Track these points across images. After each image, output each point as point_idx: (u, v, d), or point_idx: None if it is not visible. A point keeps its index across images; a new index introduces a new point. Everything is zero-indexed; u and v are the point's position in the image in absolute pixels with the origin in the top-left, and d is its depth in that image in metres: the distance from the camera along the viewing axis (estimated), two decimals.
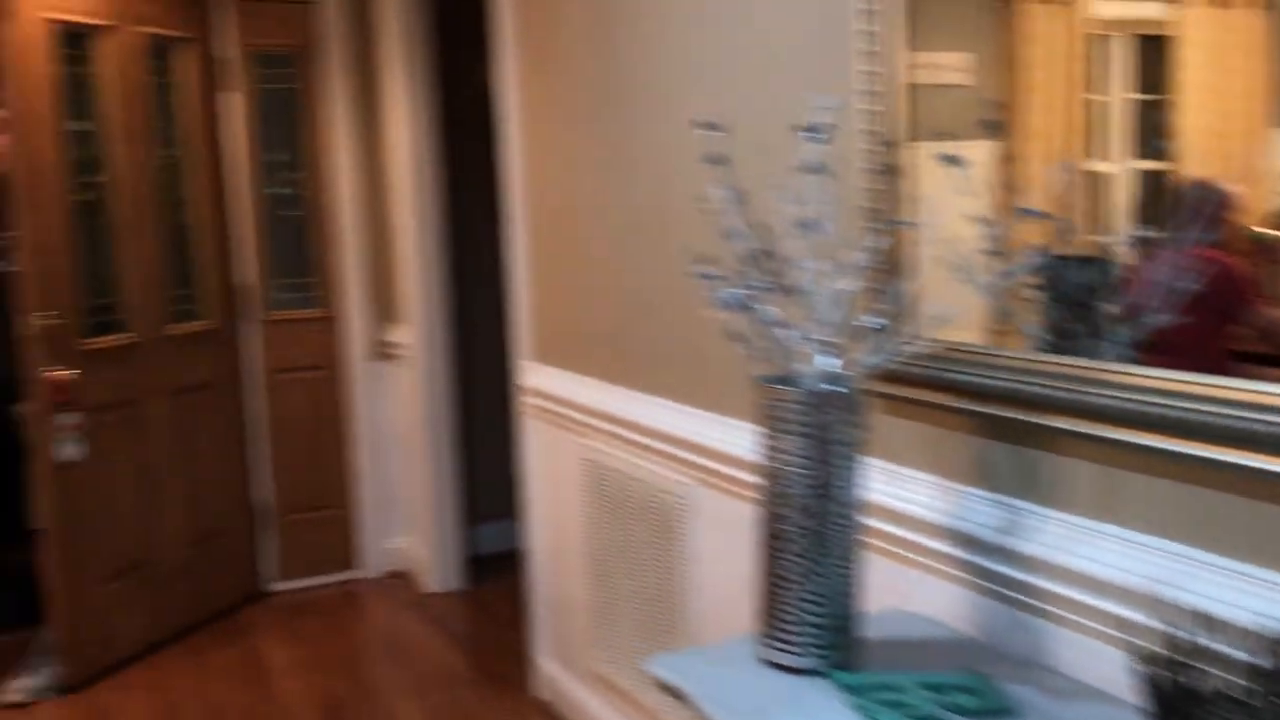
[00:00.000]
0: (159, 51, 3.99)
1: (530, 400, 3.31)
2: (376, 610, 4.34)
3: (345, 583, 4.60)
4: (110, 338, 3.77)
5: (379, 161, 4.49)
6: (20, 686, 3.55)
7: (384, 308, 4.59)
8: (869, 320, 1.61)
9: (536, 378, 3.27)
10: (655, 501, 2.64)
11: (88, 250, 3.71)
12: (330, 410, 4.56)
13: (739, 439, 2.29)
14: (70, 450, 3.56)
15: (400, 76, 4.20)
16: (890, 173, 1.75)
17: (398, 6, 4.18)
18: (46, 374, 3.50)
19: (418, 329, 4.33)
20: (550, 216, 3.16)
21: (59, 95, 3.56)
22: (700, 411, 2.48)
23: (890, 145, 1.75)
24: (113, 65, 3.76)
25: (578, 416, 3.02)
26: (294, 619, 4.23)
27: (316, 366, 4.53)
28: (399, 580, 4.62)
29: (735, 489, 2.32)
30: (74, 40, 3.64)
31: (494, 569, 4.64)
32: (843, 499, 1.52)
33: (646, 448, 2.67)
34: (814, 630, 1.52)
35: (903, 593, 1.79)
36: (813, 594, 1.52)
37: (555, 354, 3.19)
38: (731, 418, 2.34)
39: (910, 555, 1.80)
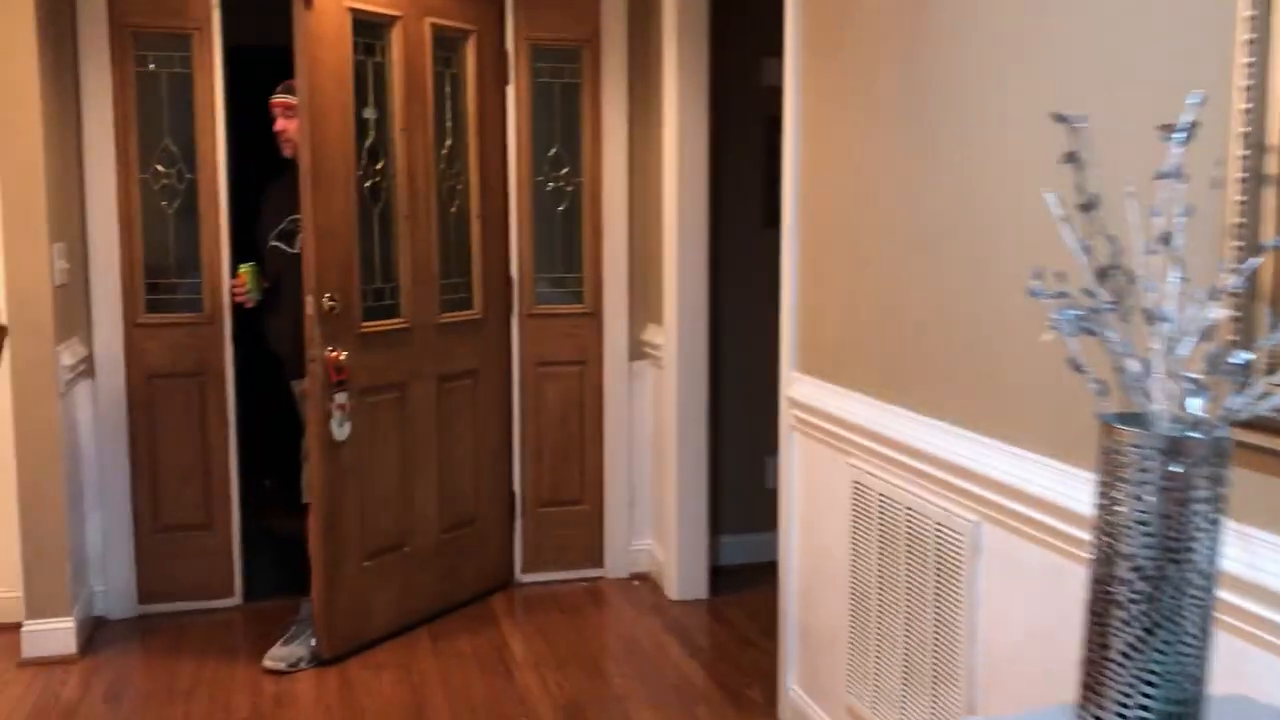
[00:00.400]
0: (445, 43, 4.06)
1: (795, 413, 3.14)
2: (619, 612, 4.28)
3: (590, 580, 4.57)
4: (384, 322, 3.86)
5: (649, 158, 4.42)
6: (280, 655, 3.68)
7: (645, 307, 4.52)
8: (1235, 355, 1.35)
9: (802, 390, 3.09)
10: (932, 535, 2.41)
11: (367, 236, 3.81)
12: (584, 406, 4.53)
13: (1038, 475, 2.04)
14: (341, 429, 3.66)
15: (675, 72, 4.12)
16: (1267, 184, 1.48)
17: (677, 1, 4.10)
18: (325, 354, 3.61)
19: (675, 331, 4.23)
20: (827, 219, 2.97)
21: (353, 84, 3.67)
22: (991, 440, 2.24)
23: (1269, 152, 1.47)
24: (400, 55, 3.85)
25: (846, 435, 2.83)
26: (538, 613, 4.23)
27: (575, 362, 4.52)
28: (642, 583, 4.55)
29: (1031, 531, 2.07)
30: (365, 29, 3.75)
31: (734, 581, 4.49)
32: (1196, 565, 1.27)
33: (925, 475, 2.45)
34: (1148, 715, 1.28)
35: (1251, 678, 1.51)
36: (1150, 672, 1.28)
37: (825, 367, 3.00)
38: (1029, 450, 2.09)
39: (1263, 635, 1.51)
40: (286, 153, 3.91)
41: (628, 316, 4.52)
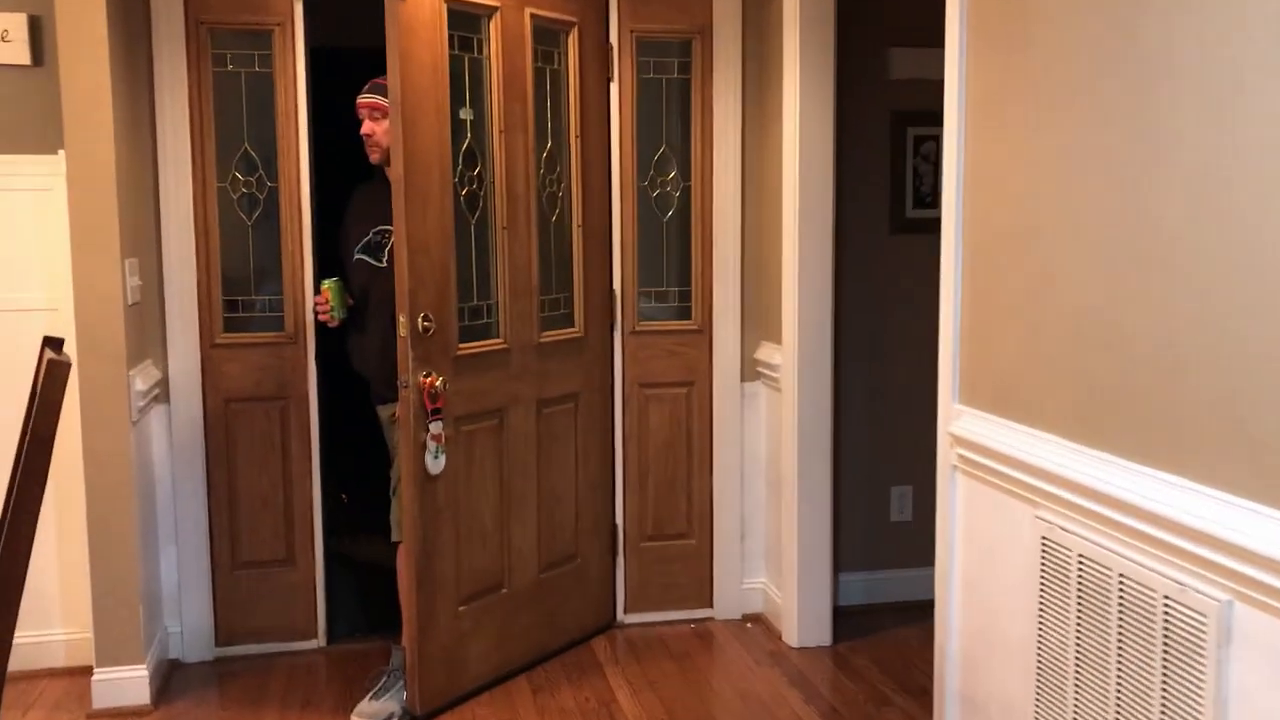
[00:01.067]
0: (545, 37, 3.71)
1: (959, 452, 2.72)
2: (733, 659, 3.88)
3: (698, 621, 4.18)
4: (482, 343, 3.52)
5: (765, 160, 4.03)
6: (370, 711, 3.34)
7: (759, 323, 4.13)
8: None
9: (970, 426, 2.68)
10: (1160, 612, 1.99)
11: (463, 249, 3.46)
12: (692, 432, 4.15)
13: None
14: (436, 462, 3.32)
15: (796, 64, 3.72)
16: None
17: None
18: (419, 379, 3.27)
19: (795, 350, 3.83)
20: (1001, 227, 2.56)
21: (448, 81, 3.33)
22: (1243, 501, 1.82)
23: None
24: (498, 50, 3.50)
25: (1030, 480, 2.41)
26: (645, 659, 3.85)
27: (682, 383, 4.14)
28: (756, 625, 4.15)
29: None
30: (461, 22, 3.40)
31: (857, 625, 4.09)
32: None
33: (1149, 538, 2.03)
34: None
35: None
36: None
37: (999, 399, 2.58)
38: None
39: None
40: (374, 158, 3.59)
41: (740, 334, 4.13)
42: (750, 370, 4.15)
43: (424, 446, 3.30)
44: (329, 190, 4.01)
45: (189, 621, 3.81)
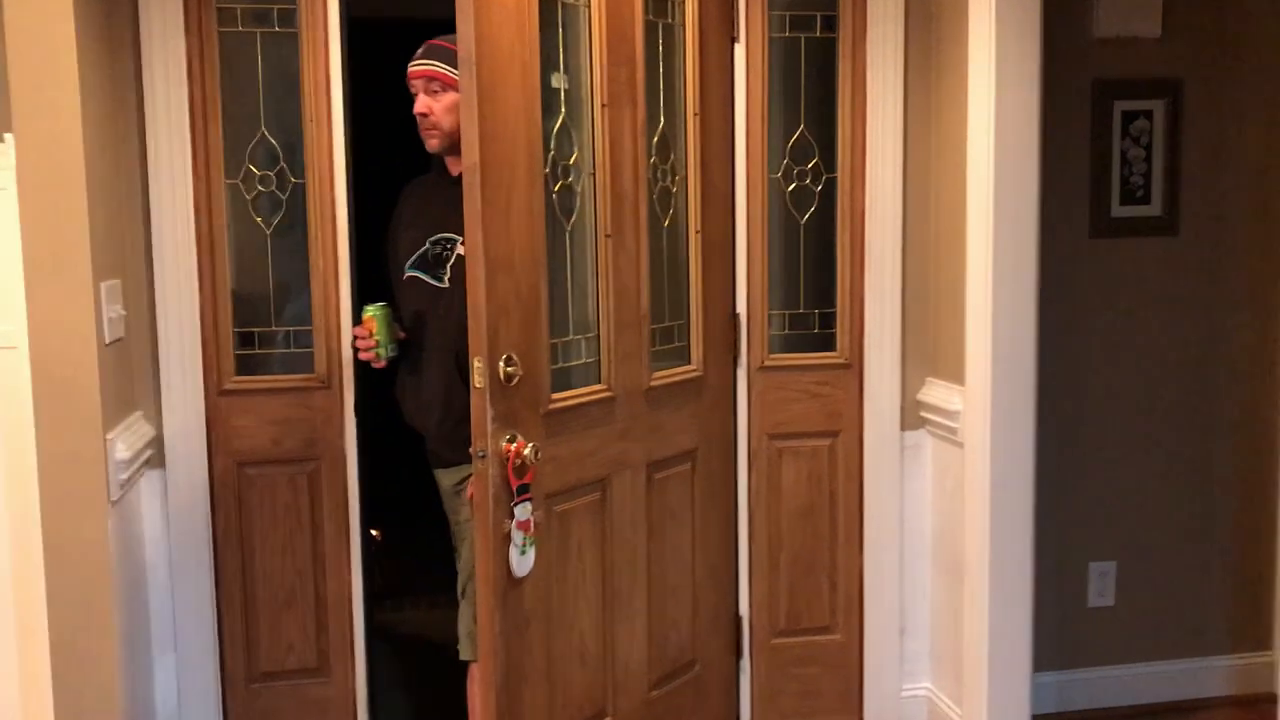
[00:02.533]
0: None
1: None
2: None
3: None
4: (580, 392, 2.60)
5: (938, 142, 3.09)
6: None
7: (925, 354, 3.20)
8: None
9: None
10: None
11: (556, 265, 2.55)
12: (837, 495, 3.22)
13: None
14: (523, 559, 2.40)
15: (990, 16, 2.78)
16: None
17: None
18: (501, 446, 2.35)
19: (985, 391, 2.89)
20: None
21: (539, 37, 2.41)
22: None
23: None
24: None
25: None
26: None
27: (823, 433, 3.21)
28: None
29: None
30: None
31: None
32: None
33: None
34: None
35: None
36: None
37: None
38: None
39: None
40: (431, 145, 2.70)
41: (899, 368, 3.20)
42: (912, 415, 3.22)
43: (506, 538, 2.38)
44: (370, 189, 3.10)
45: None
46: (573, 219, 2.59)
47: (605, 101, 2.60)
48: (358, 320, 2.73)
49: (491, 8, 2.27)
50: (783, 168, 3.12)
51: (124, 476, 2.58)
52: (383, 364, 2.71)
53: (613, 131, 2.62)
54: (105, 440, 2.48)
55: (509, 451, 2.35)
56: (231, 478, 2.91)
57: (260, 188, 2.89)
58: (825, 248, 3.17)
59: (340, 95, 2.88)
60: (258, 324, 2.92)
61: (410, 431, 2.82)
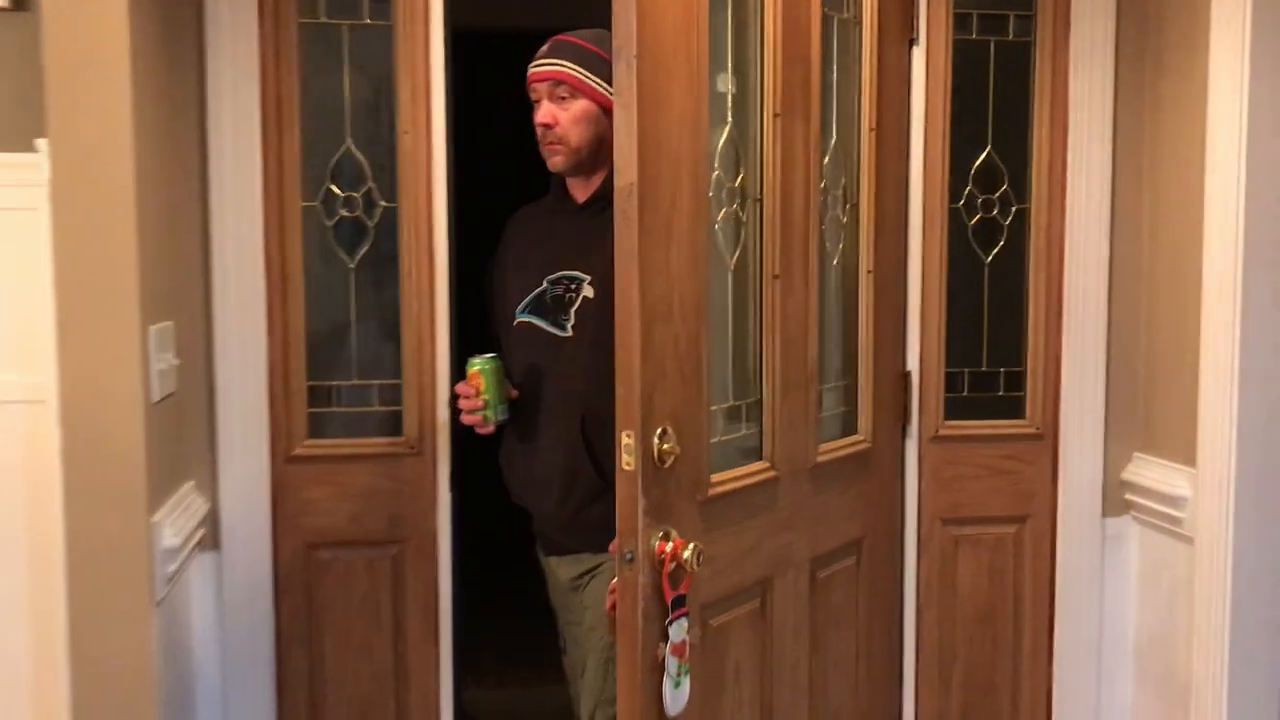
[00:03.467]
0: None
1: None
2: None
3: None
4: (742, 472, 2.06)
5: (1161, 169, 2.54)
6: None
7: (1137, 426, 2.63)
8: None
9: None
10: None
11: (716, 313, 2.02)
12: (1023, 595, 2.65)
13: None
14: (677, 693, 1.85)
15: (1243, 7, 2.24)
16: None
17: None
18: (652, 545, 1.81)
19: (1221, 473, 2.32)
20: None
21: (706, 24, 1.90)
22: None
23: None
24: None
25: None
26: None
27: (1008, 517, 2.65)
28: None
29: None
30: None
31: None
32: None
33: None
34: None
35: None
36: None
37: None
38: None
39: None
40: (555, 163, 2.21)
41: (1101, 440, 2.63)
42: (1115, 498, 2.65)
43: (658, 666, 1.84)
44: (467, 220, 2.61)
45: None
46: (736, 255, 2.06)
47: (778, 110, 2.08)
48: (460, 375, 2.22)
49: (657, 19, 1.76)
50: (965, 196, 2.59)
51: (172, 568, 2.07)
52: (490, 429, 2.20)
53: (785, 147, 2.10)
54: (150, 524, 1.97)
55: (663, 553, 1.82)
56: (300, 563, 2.40)
57: (343, 212, 2.39)
58: (1014, 293, 2.62)
59: (442, 101, 2.38)
60: (336, 377, 2.42)
61: (511, 508, 2.31)
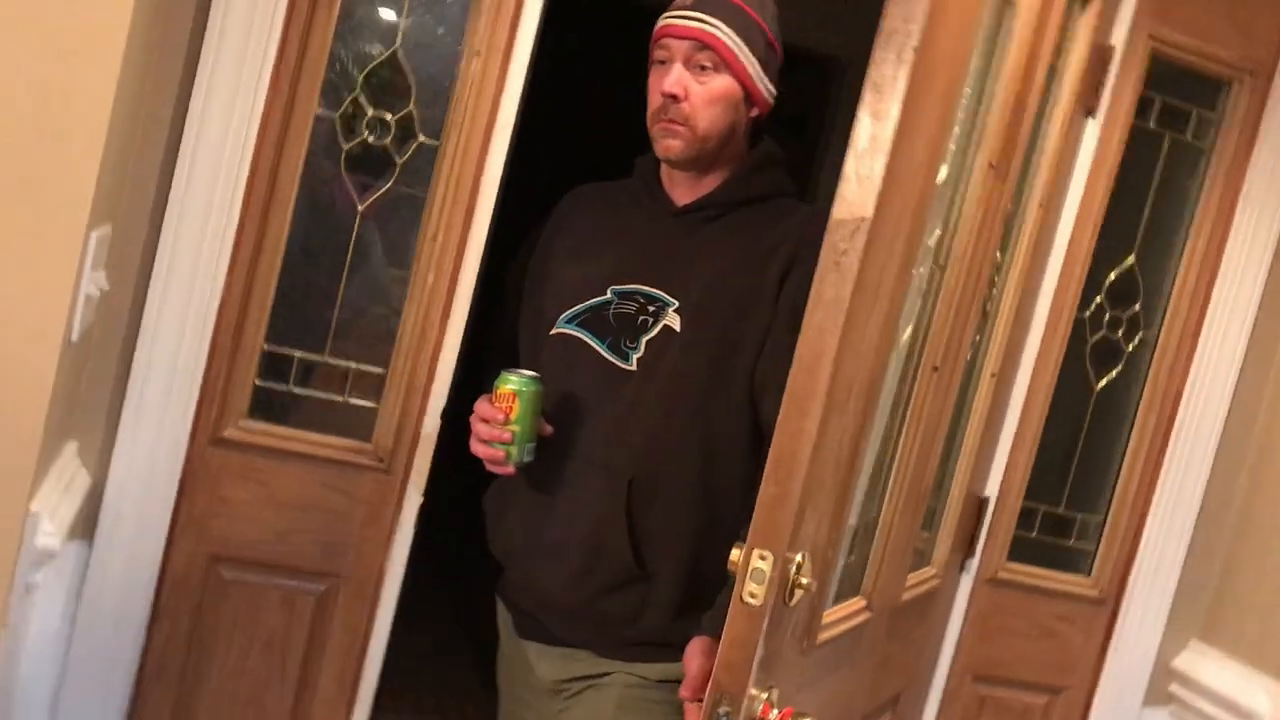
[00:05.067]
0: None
1: None
2: None
3: None
4: (841, 611, 1.56)
5: None
6: None
7: (1200, 611, 2.27)
8: None
9: None
10: None
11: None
12: None
13: None
14: None
15: None
16: None
17: None
18: (756, 708, 1.30)
19: None
20: None
21: (978, 32, 1.40)
22: None
23: None
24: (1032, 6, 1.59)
25: None
26: None
27: (1044, 685, 2.24)
28: None
29: None
30: None
31: None
32: None
33: None
34: None
35: None
36: None
37: None
38: None
39: None
40: (669, 147, 1.67)
41: (1163, 619, 2.26)
42: (1159, 687, 2.28)
43: None
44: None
45: None
46: (908, 333, 1.57)
47: (993, 160, 1.60)
48: (468, 388, 1.65)
49: (951, 32, 1.26)
50: (1094, 306, 2.18)
51: (36, 578, 1.43)
52: (510, 470, 1.63)
53: (987, 208, 1.62)
54: (27, 516, 1.33)
55: (766, 718, 1.31)
56: (196, 578, 1.77)
57: (367, 135, 1.78)
58: (1114, 431, 2.23)
59: (534, 25, 1.80)
60: (304, 346, 1.80)
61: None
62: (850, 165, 1.25)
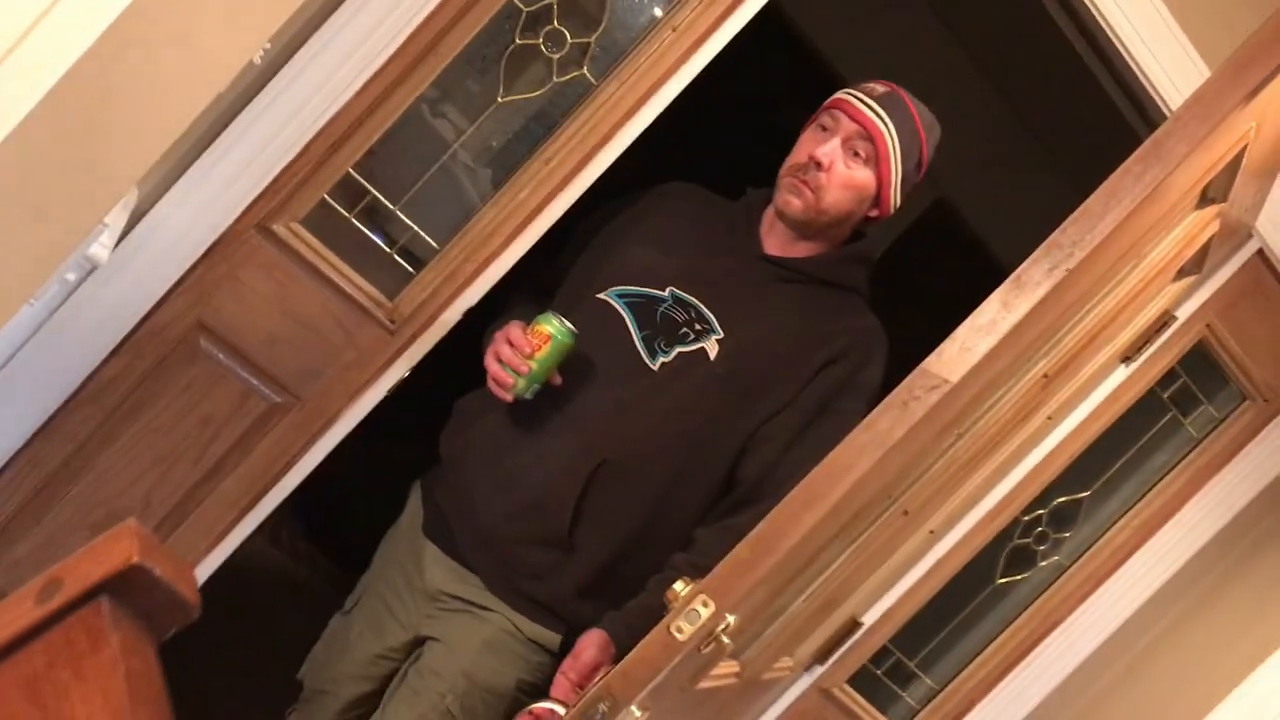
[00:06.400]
0: None
1: None
2: None
3: None
4: (723, 671, 1.68)
5: None
6: None
7: None
8: None
9: None
10: None
11: None
12: None
13: None
14: None
15: None
16: None
17: None
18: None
19: None
20: None
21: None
22: None
23: None
24: None
25: None
26: None
27: None
28: None
29: None
30: None
31: None
32: None
33: None
34: None
35: None
36: None
37: None
38: None
39: None
40: (792, 205, 1.78)
41: None
42: None
43: None
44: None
45: None
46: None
47: (1049, 372, 1.72)
48: (526, 321, 1.70)
49: None
50: (1034, 515, 2.33)
51: (68, 276, 1.45)
52: (508, 397, 1.69)
53: (1021, 408, 1.75)
54: (100, 222, 1.35)
55: None
56: (175, 332, 1.79)
57: (541, 41, 1.81)
58: (988, 624, 2.39)
59: (737, 28, 1.86)
60: (382, 189, 1.84)
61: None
62: (961, 332, 1.35)
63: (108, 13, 1.18)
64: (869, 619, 2.28)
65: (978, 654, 2.38)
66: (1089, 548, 2.37)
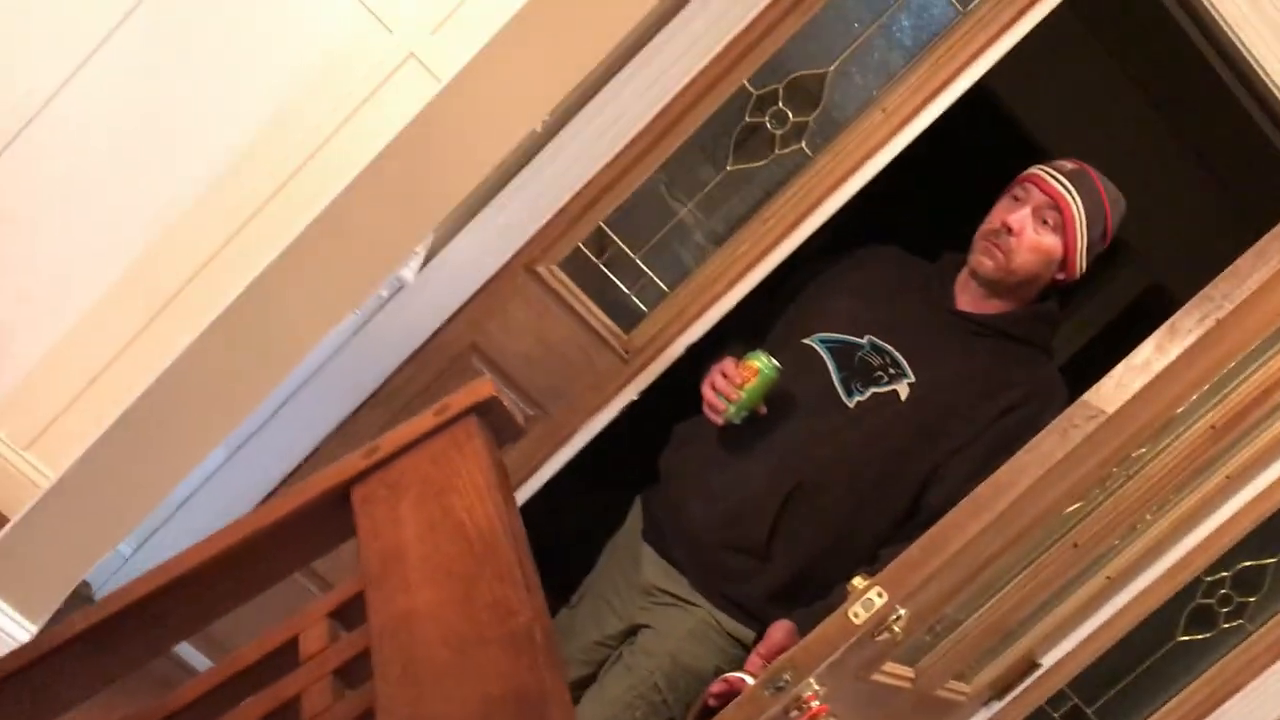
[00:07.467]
0: None
1: None
2: None
3: None
4: (894, 670, 1.89)
5: None
6: None
7: None
8: None
9: None
10: None
11: None
12: None
13: None
14: None
15: None
16: None
17: None
18: (804, 693, 1.64)
19: None
20: None
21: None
22: None
23: None
24: None
25: None
26: None
27: None
28: None
29: None
30: None
31: None
32: None
33: None
34: None
35: None
36: None
37: None
38: None
39: None
40: (984, 266, 2.01)
41: None
42: None
43: None
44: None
45: None
46: (1070, 507, 1.87)
47: (1216, 424, 1.87)
48: (737, 354, 2.00)
49: None
50: (1218, 576, 2.42)
51: (382, 293, 1.85)
52: (719, 421, 1.98)
53: (1189, 456, 1.90)
54: (413, 251, 1.74)
55: (807, 706, 1.65)
56: (453, 350, 2.18)
57: (766, 119, 2.13)
58: (1168, 681, 2.48)
59: (941, 108, 2.12)
60: (626, 240, 2.19)
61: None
62: (1119, 370, 1.55)
63: (430, 89, 1.57)
64: (1048, 661, 2.41)
65: (1156, 709, 2.47)
66: (1275, 614, 2.43)
